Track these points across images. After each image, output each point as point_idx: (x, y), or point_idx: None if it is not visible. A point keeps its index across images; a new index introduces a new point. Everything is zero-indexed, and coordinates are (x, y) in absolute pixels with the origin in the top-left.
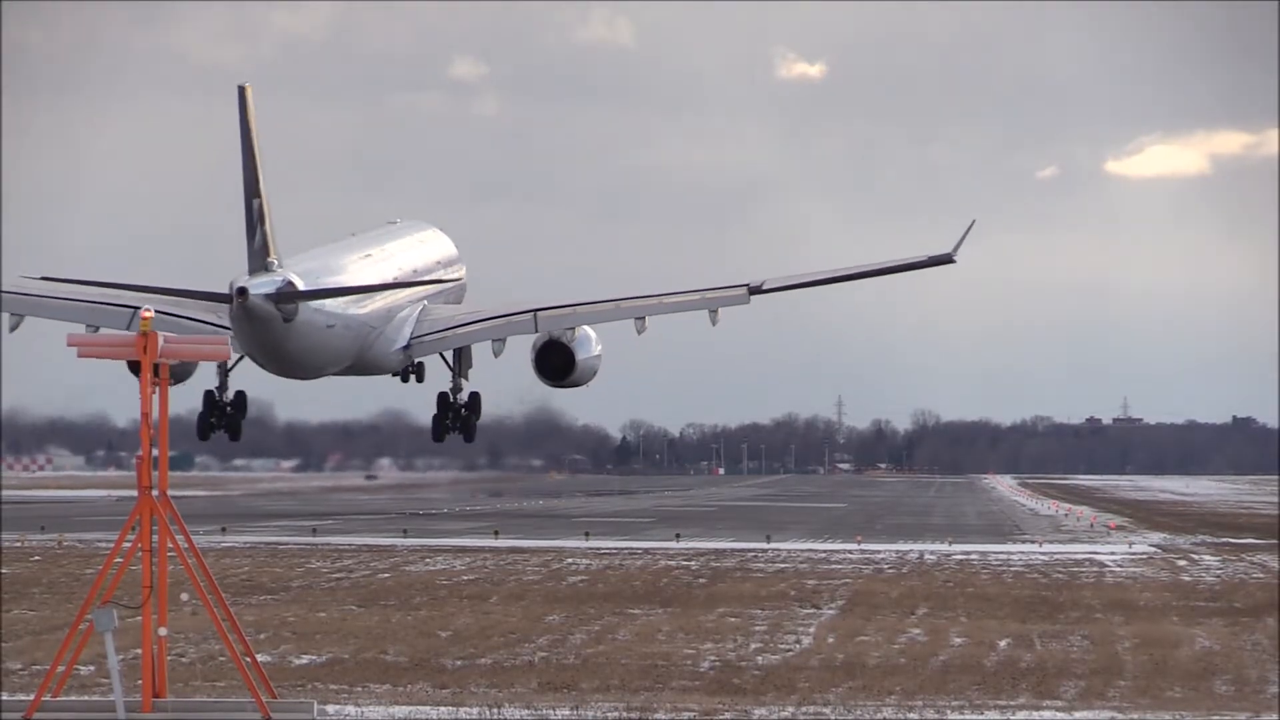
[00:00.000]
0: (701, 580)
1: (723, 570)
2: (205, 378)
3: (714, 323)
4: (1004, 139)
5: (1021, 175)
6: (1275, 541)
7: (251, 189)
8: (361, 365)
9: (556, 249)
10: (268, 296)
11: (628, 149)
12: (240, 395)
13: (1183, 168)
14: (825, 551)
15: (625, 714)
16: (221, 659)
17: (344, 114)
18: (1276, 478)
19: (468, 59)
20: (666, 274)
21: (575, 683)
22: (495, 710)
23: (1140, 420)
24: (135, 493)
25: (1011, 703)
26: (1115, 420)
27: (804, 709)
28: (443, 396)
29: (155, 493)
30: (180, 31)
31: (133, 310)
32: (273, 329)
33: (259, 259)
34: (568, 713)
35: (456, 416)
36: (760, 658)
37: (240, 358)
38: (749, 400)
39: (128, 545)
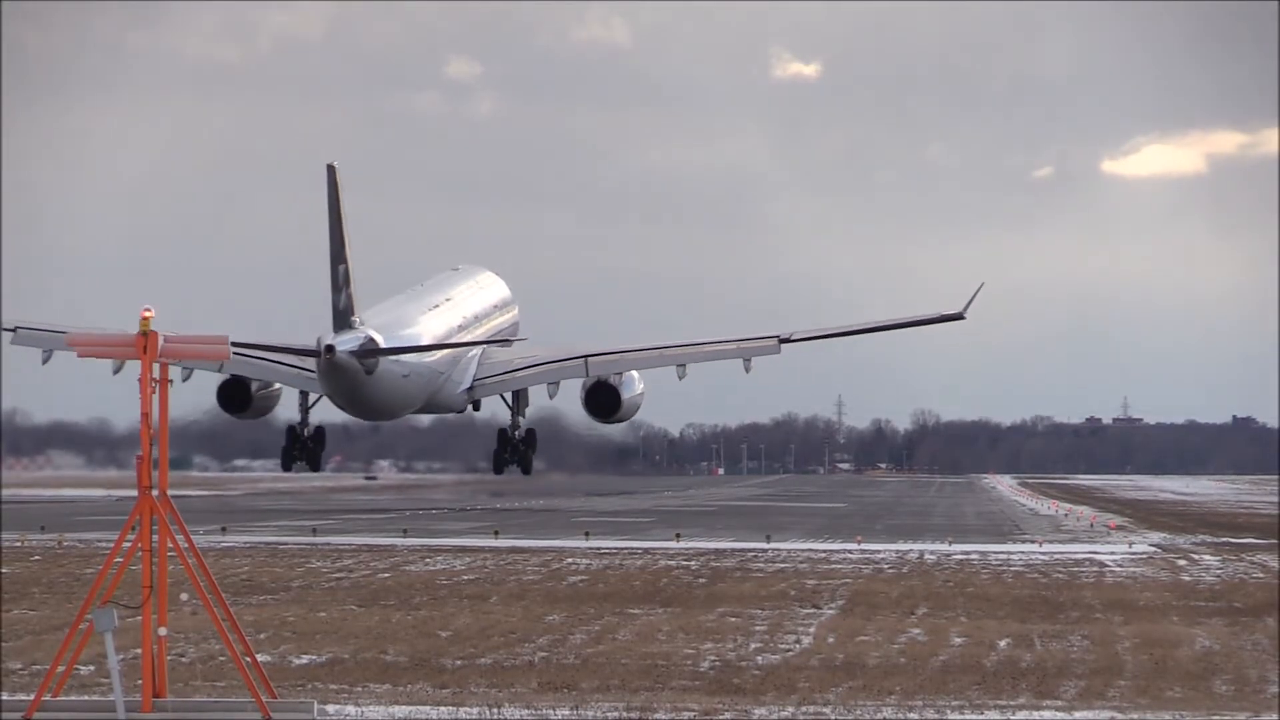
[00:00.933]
0: (701, 580)
1: (723, 570)
2: (287, 405)
3: (747, 370)
4: (1000, 139)
5: (1017, 175)
6: (1275, 541)
7: (338, 255)
8: (430, 406)
9: (550, 249)
10: (352, 353)
11: (622, 149)
12: (320, 430)
13: (1179, 167)
14: (825, 551)
15: (625, 714)
16: (221, 659)
17: (339, 113)
18: (1276, 478)
19: (463, 59)
20: (662, 274)
21: (575, 683)
22: (495, 710)
23: (1140, 420)
24: (135, 492)
25: (1011, 703)
26: (1115, 420)
27: (804, 709)
28: (502, 433)
29: (155, 492)
30: (176, 31)
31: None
32: (356, 380)
33: (343, 317)
34: (568, 713)
35: (515, 450)
36: (760, 658)
37: (319, 397)
38: (749, 400)
39: (128, 545)
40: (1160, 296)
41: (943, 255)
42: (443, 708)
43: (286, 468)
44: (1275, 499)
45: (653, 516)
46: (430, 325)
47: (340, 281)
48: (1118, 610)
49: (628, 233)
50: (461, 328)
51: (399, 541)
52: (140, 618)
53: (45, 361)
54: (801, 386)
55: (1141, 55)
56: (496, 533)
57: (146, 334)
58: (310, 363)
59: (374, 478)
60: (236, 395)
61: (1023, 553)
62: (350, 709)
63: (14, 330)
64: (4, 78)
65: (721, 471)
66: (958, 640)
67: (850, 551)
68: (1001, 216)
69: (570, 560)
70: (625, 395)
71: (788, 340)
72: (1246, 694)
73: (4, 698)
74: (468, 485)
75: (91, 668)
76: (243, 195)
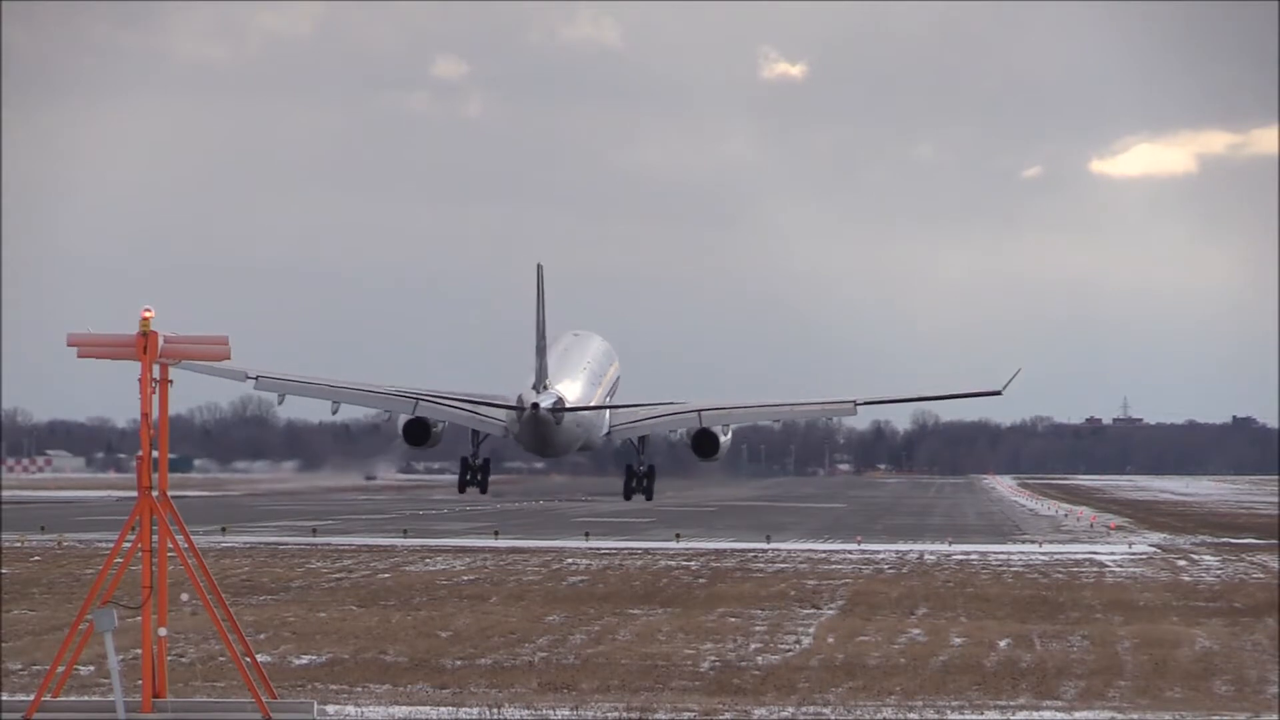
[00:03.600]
0: (701, 580)
1: (723, 570)
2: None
3: (825, 422)
4: (989, 139)
5: (1007, 175)
6: (1275, 541)
7: (541, 334)
8: (584, 446)
9: (543, 249)
10: (549, 409)
11: (614, 149)
12: (486, 460)
13: (1169, 167)
14: (825, 551)
15: (625, 714)
16: (221, 659)
17: (330, 113)
18: (1276, 478)
19: (453, 58)
20: (657, 274)
21: (575, 683)
22: (495, 710)
23: (1140, 420)
24: (135, 493)
25: (1011, 703)
26: (1115, 420)
27: (804, 709)
28: (629, 468)
29: (155, 493)
30: (165, 31)
31: (414, 400)
32: (548, 428)
33: (540, 382)
34: (568, 713)
35: (639, 481)
36: (760, 658)
37: (486, 435)
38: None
39: (128, 545)
40: (1156, 296)
41: (935, 255)
42: (443, 708)
43: (461, 490)
44: (1275, 499)
45: (652, 517)
46: (585, 384)
47: (541, 356)
48: (1118, 610)
49: (620, 232)
50: (596, 384)
51: (399, 542)
52: (140, 618)
53: (280, 403)
54: (801, 387)
55: (1131, 55)
56: (496, 533)
57: (146, 334)
58: (485, 410)
59: (374, 478)
60: (419, 431)
61: (1023, 553)
62: (350, 709)
63: (255, 378)
64: (2, 78)
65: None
66: (958, 640)
67: (850, 552)
68: (992, 216)
69: (570, 560)
70: (722, 440)
71: (862, 404)
72: (1246, 694)
73: (4, 698)
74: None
75: (91, 668)
76: (238, 195)
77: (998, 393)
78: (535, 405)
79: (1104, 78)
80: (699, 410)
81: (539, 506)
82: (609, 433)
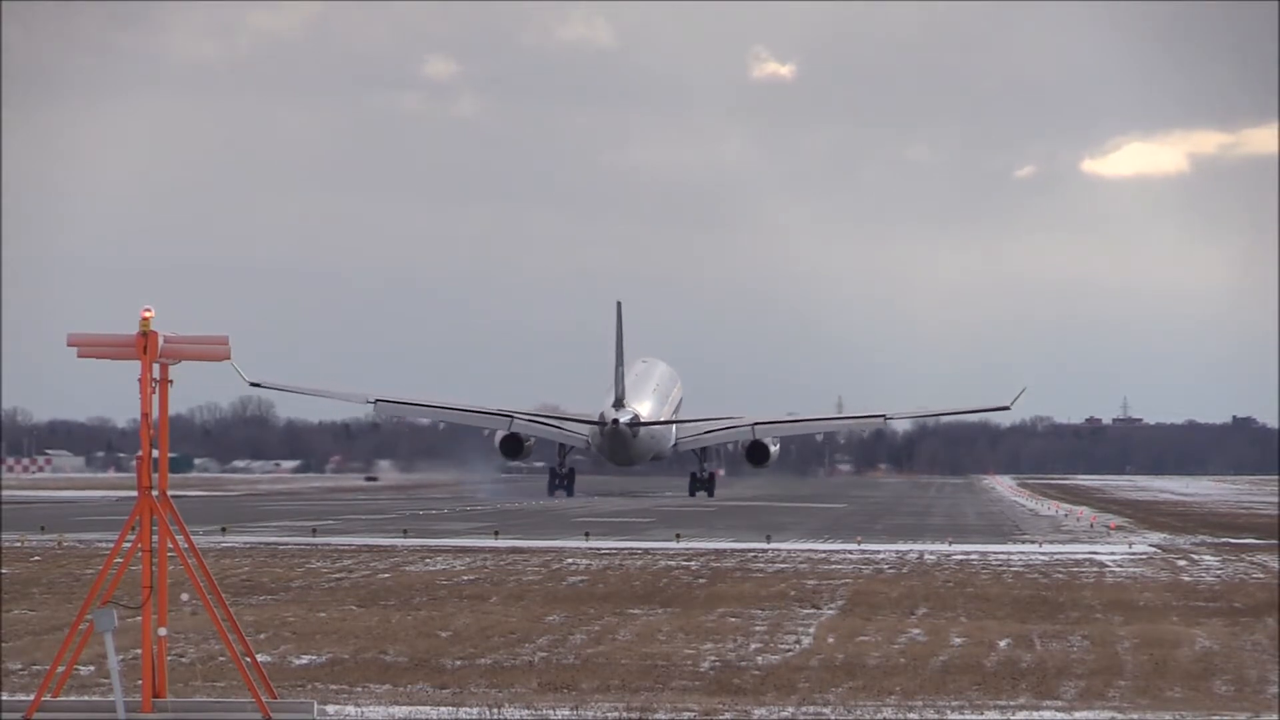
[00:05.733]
0: (701, 580)
1: (723, 570)
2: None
3: (852, 435)
4: (981, 139)
5: (999, 175)
6: (1275, 541)
7: (619, 361)
8: (655, 456)
9: (536, 249)
10: (628, 424)
11: (607, 149)
12: (571, 470)
13: (1161, 167)
14: (825, 551)
15: (625, 714)
16: (221, 659)
17: (323, 113)
18: (1276, 478)
19: (446, 58)
20: (651, 274)
21: (575, 683)
22: (495, 710)
23: (1140, 420)
24: (135, 493)
25: (1011, 703)
26: (1115, 420)
27: (804, 709)
28: (693, 475)
29: (155, 493)
30: (160, 31)
31: (510, 418)
32: (626, 440)
33: (619, 400)
34: (568, 713)
35: (702, 485)
36: (760, 658)
37: (572, 448)
38: (749, 400)
39: (128, 545)
40: (1155, 296)
41: (932, 254)
42: (443, 708)
43: (551, 494)
44: (1275, 499)
45: (652, 517)
46: (656, 402)
47: (619, 378)
48: (1118, 610)
49: (614, 232)
50: (664, 403)
51: (399, 542)
52: (140, 618)
53: (397, 421)
54: (802, 387)
55: (1123, 55)
56: (496, 533)
57: (146, 334)
58: (569, 425)
59: (374, 478)
60: (513, 445)
61: (1023, 553)
62: (350, 709)
63: (374, 403)
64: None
65: (722, 472)
66: (958, 640)
67: (850, 551)
68: (985, 216)
69: (570, 560)
70: (772, 450)
71: (892, 417)
72: (1246, 694)
73: (4, 698)
74: (468, 485)
75: (91, 668)
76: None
77: (1006, 408)
78: (616, 421)
79: (1096, 77)
80: (753, 424)
81: (539, 506)
82: (676, 444)
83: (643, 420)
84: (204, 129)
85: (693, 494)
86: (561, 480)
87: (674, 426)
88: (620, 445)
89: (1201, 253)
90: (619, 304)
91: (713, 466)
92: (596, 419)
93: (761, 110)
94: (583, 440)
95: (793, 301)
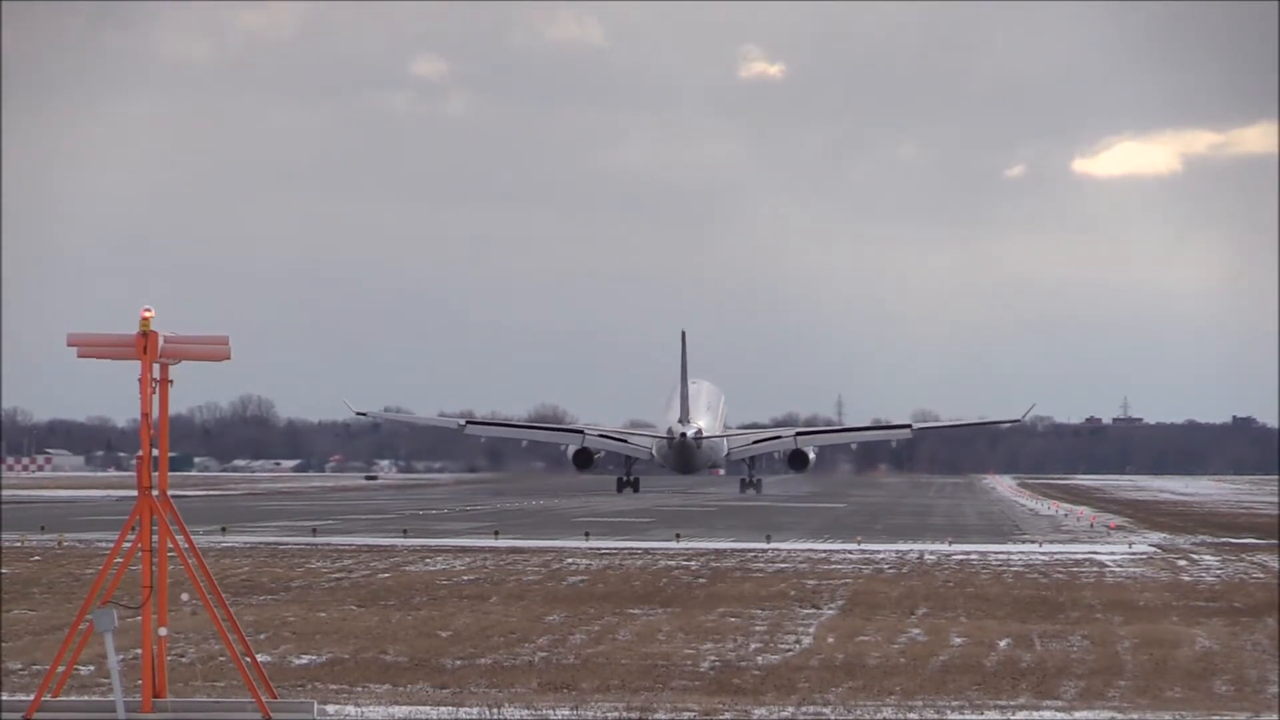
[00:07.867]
0: (701, 580)
1: (723, 570)
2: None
3: (883, 444)
4: (972, 138)
5: (990, 175)
6: (1275, 541)
7: (684, 381)
8: (710, 466)
9: (526, 248)
10: (693, 437)
11: (597, 148)
12: (637, 478)
13: (1153, 167)
14: (825, 551)
15: (625, 714)
16: (221, 659)
17: (312, 112)
18: (1276, 478)
19: (437, 58)
20: (650, 274)
21: (575, 683)
22: (495, 710)
23: (1140, 420)
24: (135, 493)
25: (1011, 703)
26: (1115, 420)
27: (804, 709)
28: (743, 480)
29: (155, 492)
30: (151, 30)
31: (581, 434)
32: (691, 452)
33: (684, 416)
34: (568, 713)
35: (751, 485)
36: (760, 658)
37: (636, 460)
38: (750, 401)
39: (128, 545)
40: (1154, 296)
41: (923, 254)
42: (443, 708)
43: (619, 492)
44: (1275, 499)
45: (652, 517)
46: (711, 417)
47: (684, 398)
48: (1118, 610)
49: (604, 231)
50: (716, 418)
51: (399, 541)
52: (140, 618)
53: (483, 440)
54: (802, 387)
55: (1113, 55)
56: (496, 533)
57: (146, 334)
58: (635, 439)
59: (374, 477)
60: (584, 458)
61: (1023, 553)
62: (350, 709)
63: (464, 424)
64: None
65: (722, 472)
66: (958, 640)
67: (850, 551)
68: (975, 216)
69: (570, 560)
70: (810, 457)
71: (919, 427)
72: (1246, 694)
73: (4, 698)
74: (466, 485)
75: (91, 668)
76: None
77: (1019, 420)
78: (683, 435)
79: (1087, 77)
80: (795, 435)
81: (538, 506)
82: (729, 454)
83: (704, 434)
84: (196, 129)
85: (743, 490)
86: (626, 485)
87: (725, 439)
88: (686, 456)
89: (1200, 253)
90: (683, 333)
91: (759, 473)
92: (664, 434)
93: (751, 110)
94: (646, 452)
95: (783, 300)
